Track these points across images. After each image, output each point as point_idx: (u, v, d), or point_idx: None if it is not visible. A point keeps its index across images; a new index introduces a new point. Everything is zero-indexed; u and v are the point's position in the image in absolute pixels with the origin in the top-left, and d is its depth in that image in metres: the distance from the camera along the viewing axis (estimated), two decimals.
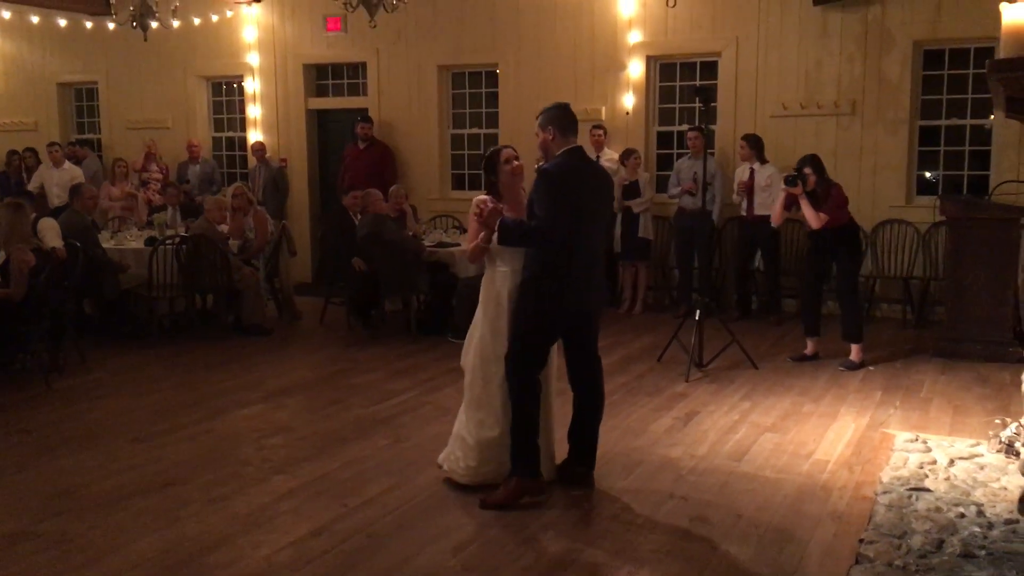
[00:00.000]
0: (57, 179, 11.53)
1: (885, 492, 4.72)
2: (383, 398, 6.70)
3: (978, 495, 4.67)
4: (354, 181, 10.38)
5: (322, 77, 12.38)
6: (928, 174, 9.70)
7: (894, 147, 9.42)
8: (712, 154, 9.69)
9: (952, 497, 4.64)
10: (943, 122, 9.47)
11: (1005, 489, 4.73)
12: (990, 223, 7.59)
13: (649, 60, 10.39)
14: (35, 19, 12.60)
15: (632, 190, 9.80)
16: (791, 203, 7.48)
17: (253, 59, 12.38)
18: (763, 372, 7.31)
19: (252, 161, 12.21)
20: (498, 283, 4.78)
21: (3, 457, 5.46)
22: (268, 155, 12.12)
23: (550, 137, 4.72)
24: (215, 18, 12.30)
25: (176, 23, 11.02)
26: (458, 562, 4.04)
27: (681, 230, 9.69)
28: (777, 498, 4.74)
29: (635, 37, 10.36)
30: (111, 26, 12.14)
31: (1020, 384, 5.54)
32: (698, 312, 7.36)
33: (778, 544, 4.20)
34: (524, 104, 10.37)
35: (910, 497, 4.64)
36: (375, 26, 9.69)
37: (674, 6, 9.77)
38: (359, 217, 9.11)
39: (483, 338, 4.78)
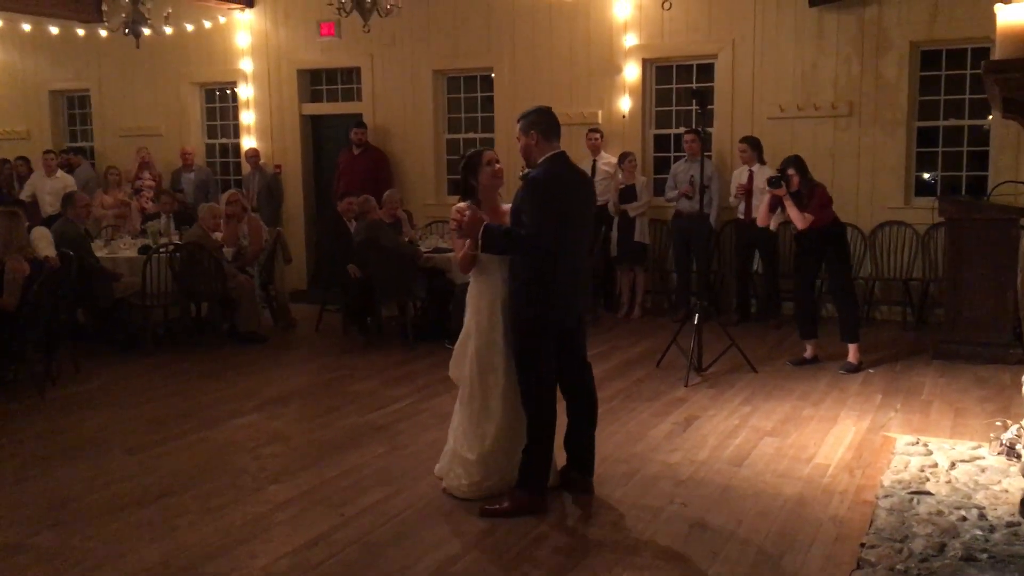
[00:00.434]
0: (50, 187, 11.49)
1: (886, 496, 4.69)
2: (380, 405, 6.66)
3: (979, 498, 4.64)
4: (349, 187, 10.35)
5: (316, 82, 12.36)
6: (926, 175, 9.69)
7: (892, 148, 9.41)
8: (709, 157, 9.67)
9: (953, 500, 4.62)
10: (941, 123, 9.46)
11: (1006, 492, 4.70)
12: (989, 223, 7.58)
13: (645, 63, 10.37)
14: (27, 27, 12.56)
15: (629, 193, 9.78)
16: (776, 204, 7.48)
17: (246, 65, 12.35)
18: (763, 376, 7.29)
19: (246, 168, 12.18)
20: (489, 293, 4.71)
21: None
22: (262, 161, 12.10)
23: (532, 142, 4.64)
24: (208, 24, 12.26)
25: (168, 30, 11.01)
26: (457, 570, 4.00)
27: (679, 233, 9.66)
28: (778, 503, 4.71)
29: (631, 40, 10.34)
30: (103, 33, 12.11)
31: (1020, 386, 5.51)
32: (697, 316, 7.33)
33: (779, 549, 4.17)
34: (519, 108, 10.02)
35: (911, 500, 4.62)
36: (369, 31, 9.67)
37: (669, 8, 9.75)
38: (354, 223, 9.07)
39: (479, 350, 4.71)
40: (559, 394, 4.85)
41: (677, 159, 10.03)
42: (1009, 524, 4.31)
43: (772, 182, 7.36)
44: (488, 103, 11.32)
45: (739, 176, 9.35)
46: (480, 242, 4.54)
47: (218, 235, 9.04)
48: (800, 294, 7.73)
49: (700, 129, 8.67)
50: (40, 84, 13.74)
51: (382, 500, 4.81)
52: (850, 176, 9.51)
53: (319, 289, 9.76)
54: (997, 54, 4.32)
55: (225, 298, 8.77)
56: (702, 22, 10.03)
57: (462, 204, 4.72)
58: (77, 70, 13.40)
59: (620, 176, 9.87)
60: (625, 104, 10.44)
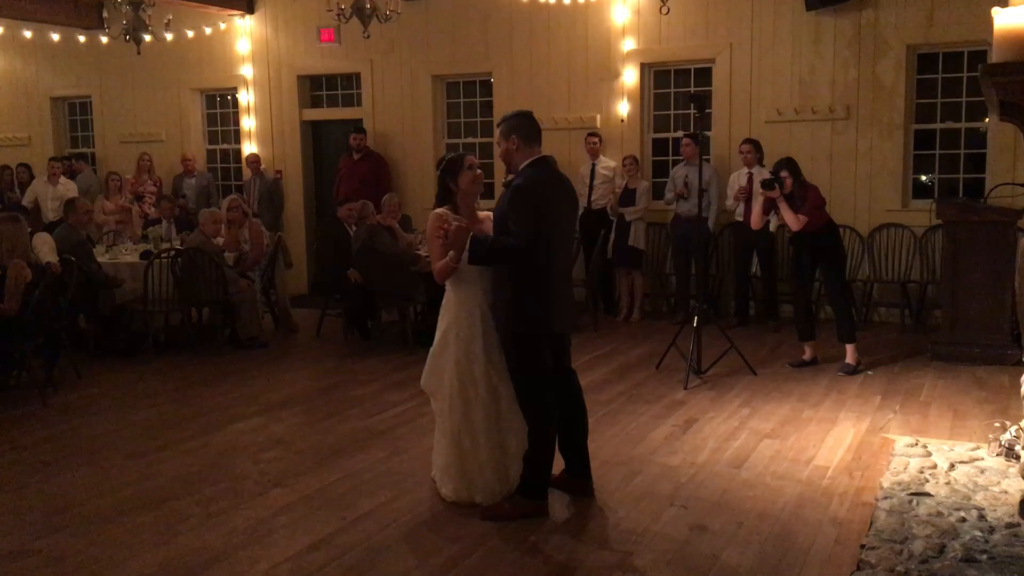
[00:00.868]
0: (52, 193, 11.53)
1: (886, 497, 4.70)
2: (380, 410, 6.67)
3: (979, 499, 4.66)
4: (349, 192, 10.37)
5: (316, 88, 12.39)
6: (924, 178, 9.71)
7: (889, 151, 9.43)
8: (707, 160, 9.69)
9: (953, 501, 4.63)
10: (938, 125, 9.48)
11: (1006, 493, 4.72)
12: (987, 226, 7.60)
13: (643, 67, 10.39)
14: (28, 34, 12.58)
15: (629, 197, 9.80)
16: (770, 207, 7.51)
17: (247, 71, 12.38)
18: (762, 378, 7.30)
19: (247, 173, 12.20)
20: (468, 303, 4.63)
21: None
22: (263, 167, 12.11)
23: (513, 147, 4.57)
24: (208, 31, 12.30)
25: (169, 36, 11.02)
26: (458, 574, 4.02)
27: (678, 236, 9.68)
28: (777, 505, 4.73)
29: (629, 45, 10.37)
30: (104, 40, 12.12)
31: (1019, 387, 5.52)
32: (696, 319, 7.35)
33: (779, 551, 4.18)
34: None
35: (911, 502, 4.63)
36: (368, 37, 9.69)
37: (667, 13, 9.78)
38: (354, 228, 9.09)
39: (459, 363, 4.64)
40: None
41: (676, 163, 10.05)
42: (1009, 525, 4.32)
43: (766, 184, 7.38)
44: (487, 108, 11.34)
45: (737, 179, 9.38)
46: (468, 254, 4.46)
47: (219, 240, 9.06)
48: (797, 296, 7.75)
49: (698, 133, 8.70)
50: (42, 90, 13.76)
51: (383, 504, 4.82)
52: (848, 179, 9.53)
53: (320, 294, 9.76)
54: (994, 57, 4.34)
55: (226, 303, 8.78)
56: (700, 26, 10.06)
57: (441, 211, 4.65)
58: (78, 76, 13.42)
59: (618, 181, 9.91)
60: (623, 108, 10.47)
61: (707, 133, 9.93)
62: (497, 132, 4.68)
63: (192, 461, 5.61)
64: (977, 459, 5.25)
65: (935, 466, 5.15)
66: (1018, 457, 5.04)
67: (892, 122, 9.38)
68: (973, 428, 5.90)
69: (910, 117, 9.43)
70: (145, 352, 8.53)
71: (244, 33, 12.31)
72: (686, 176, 9.36)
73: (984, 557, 3.98)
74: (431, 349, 4.82)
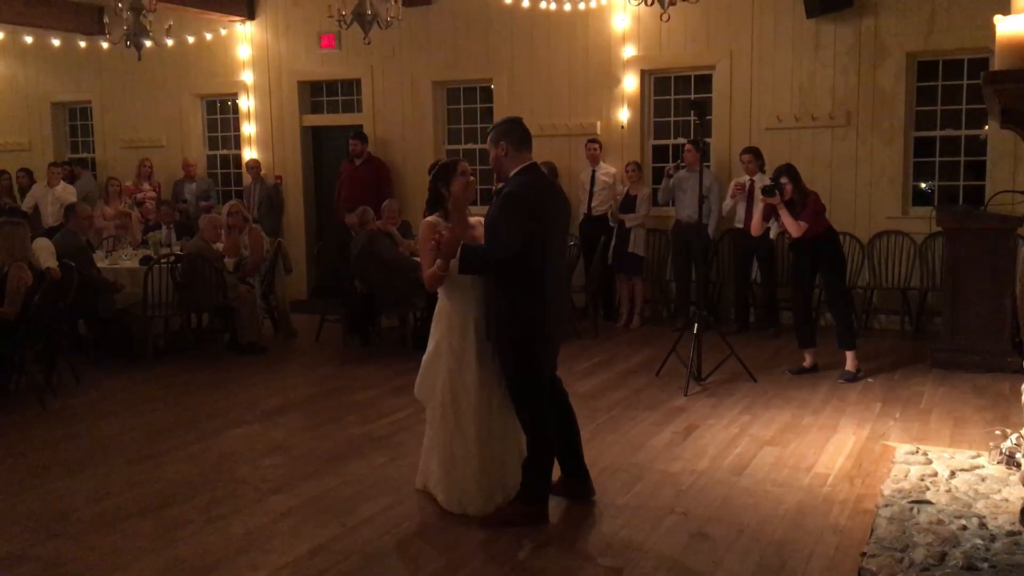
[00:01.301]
0: (52, 198, 11.53)
1: (886, 505, 4.69)
2: (380, 415, 6.66)
3: (980, 507, 4.65)
4: (349, 198, 10.36)
5: (316, 94, 12.39)
6: (924, 185, 9.72)
7: (889, 158, 9.44)
8: (708, 167, 9.70)
9: (954, 509, 4.62)
10: (938, 133, 9.49)
11: (1007, 501, 4.71)
12: (987, 233, 7.60)
13: (643, 74, 10.41)
14: (28, 39, 12.60)
15: (630, 203, 9.80)
16: (770, 214, 7.51)
17: (247, 77, 12.40)
18: (762, 385, 7.30)
19: (247, 179, 12.21)
20: (461, 311, 4.64)
21: None
22: (263, 172, 12.13)
23: (502, 153, 4.57)
24: (209, 36, 12.31)
25: (170, 42, 11.01)
26: None
27: (678, 243, 9.69)
28: (778, 512, 4.72)
29: (629, 51, 10.38)
30: (105, 45, 12.10)
31: (1019, 395, 5.51)
32: (696, 325, 7.34)
33: (780, 559, 4.17)
34: None
35: (911, 510, 4.62)
36: (369, 43, 9.69)
37: (668, 20, 9.79)
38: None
39: (451, 371, 4.64)
40: None
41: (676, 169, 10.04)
42: (1009, 533, 4.31)
43: (766, 191, 7.39)
44: (488, 114, 11.34)
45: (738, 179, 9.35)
46: (459, 264, 4.45)
47: (219, 246, 9.06)
48: (797, 303, 7.75)
49: (699, 140, 8.71)
50: (42, 96, 13.78)
51: (383, 510, 4.81)
52: (848, 186, 9.53)
53: (320, 297, 9.76)
54: (996, 65, 4.33)
55: (226, 309, 8.79)
56: (700, 33, 10.07)
57: (433, 219, 4.64)
58: (79, 82, 13.44)
59: (619, 187, 9.91)
60: (624, 115, 10.48)
61: (707, 140, 9.94)
62: (488, 140, 4.68)
63: (191, 466, 5.59)
64: (978, 467, 5.24)
65: (936, 474, 5.14)
66: (1019, 465, 5.04)
67: (892, 129, 9.39)
68: (974, 436, 5.89)
69: (910, 124, 9.44)
70: (144, 357, 8.52)
71: (245, 39, 12.33)
72: (675, 171, 9.41)
73: (985, 565, 3.97)
74: (424, 358, 4.83)
